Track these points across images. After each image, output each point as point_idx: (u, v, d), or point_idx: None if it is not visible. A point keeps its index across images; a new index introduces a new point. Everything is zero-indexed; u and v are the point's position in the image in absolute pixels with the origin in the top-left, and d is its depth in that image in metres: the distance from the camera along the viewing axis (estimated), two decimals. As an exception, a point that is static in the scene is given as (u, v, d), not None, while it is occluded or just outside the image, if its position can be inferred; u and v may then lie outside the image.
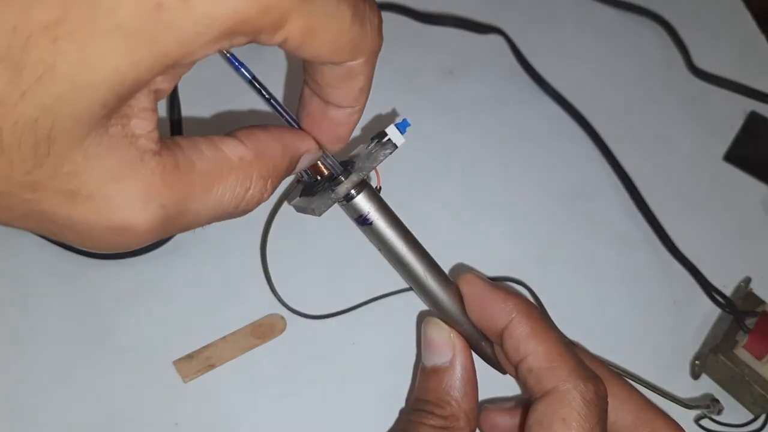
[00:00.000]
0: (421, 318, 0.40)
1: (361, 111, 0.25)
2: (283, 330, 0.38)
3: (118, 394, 0.36)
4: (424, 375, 0.31)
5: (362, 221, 0.29)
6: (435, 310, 0.32)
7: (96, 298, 0.38)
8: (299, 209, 0.29)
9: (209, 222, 0.22)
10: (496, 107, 0.49)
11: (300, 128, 0.26)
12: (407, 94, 0.48)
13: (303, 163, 0.25)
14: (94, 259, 0.39)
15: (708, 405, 0.38)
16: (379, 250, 0.30)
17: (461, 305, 0.31)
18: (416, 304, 0.41)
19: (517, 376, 0.29)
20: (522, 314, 0.29)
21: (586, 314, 0.41)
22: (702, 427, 0.39)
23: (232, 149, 0.22)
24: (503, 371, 0.33)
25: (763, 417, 0.39)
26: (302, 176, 0.28)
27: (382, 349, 0.39)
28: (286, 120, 0.27)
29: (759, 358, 0.38)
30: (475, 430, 0.31)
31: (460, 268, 0.42)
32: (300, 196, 0.30)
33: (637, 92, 0.52)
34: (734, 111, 0.52)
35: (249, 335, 0.37)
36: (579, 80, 0.51)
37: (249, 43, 0.19)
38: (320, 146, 0.26)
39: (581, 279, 0.43)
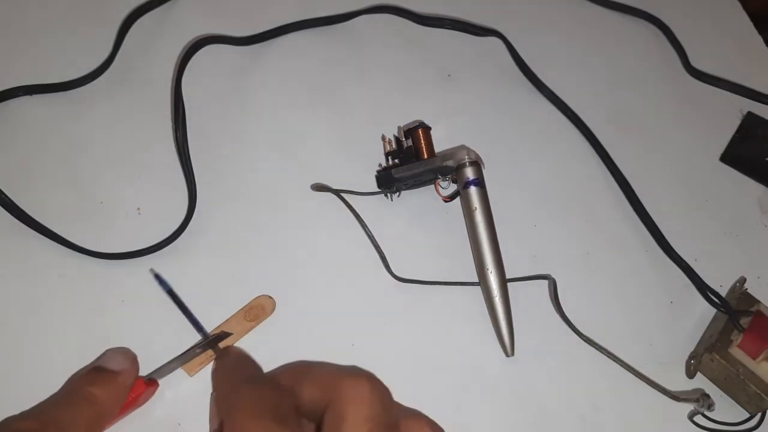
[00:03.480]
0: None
1: None
2: (273, 309, 0.39)
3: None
4: None
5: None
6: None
7: (99, 297, 0.38)
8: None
9: None
10: (494, 109, 0.49)
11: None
12: (406, 96, 0.49)
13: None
14: (98, 258, 0.39)
15: (698, 399, 0.38)
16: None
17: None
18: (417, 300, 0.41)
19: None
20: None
21: (582, 314, 0.41)
22: (696, 424, 0.39)
23: None
24: None
25: (758, 415, 0.39)
26: None
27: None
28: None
29: (754, 357, 0.38)
30: None
31: (460, 268, 0.42)
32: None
33: (633, 93, 0.52)
34: (730, 111, 0.52)
35: (242, 319, 0.39)
36: (576, 82, 0.51)
37: None
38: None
39: (577, 279, 0.43)
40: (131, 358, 0.35)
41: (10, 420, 0.30)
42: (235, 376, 0.32)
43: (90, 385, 0.32)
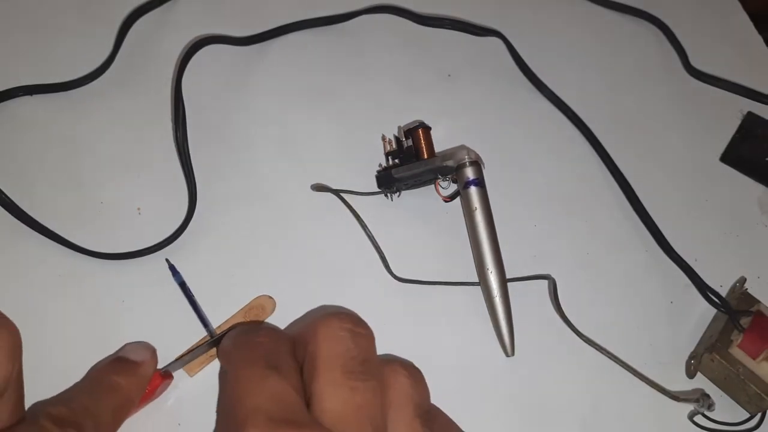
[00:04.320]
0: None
1: None
2: (273, 309, 0.39)
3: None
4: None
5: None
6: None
7: (99, 297, 0.38)
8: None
9: None
10: (495, 109, 0.49)
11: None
12: (406, 96, 0.49)
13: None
14: (98, 258, 0.39)
15: (698, 399, 0.38)
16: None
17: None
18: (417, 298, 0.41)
19: None
20: None
21: (582, 314, 0.41)
22: (696, 424, 0.39)
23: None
24: None
25: (758, 416, 0.39)
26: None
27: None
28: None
29: (754, 357, 0.38)
30: None
31: (460, 268, 0.42)
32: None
33: (634, 93, 0.52)
34: (731, 111, 0.52)
35: (242, 320, 0.39)
36: (576, 82, 0.51)
37: None
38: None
39: (578, 279, 0.43)
40: (151, 350, 0.35)
41: (39, 405, 0.30)
42: (234, 332, 0.32)
43: (115, 374, 0.32)
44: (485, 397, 0.39)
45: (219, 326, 0.38)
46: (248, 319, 0.39)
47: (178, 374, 0.37)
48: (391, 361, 0.27)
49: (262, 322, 0.39)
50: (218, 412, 0.31)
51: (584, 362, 0.40)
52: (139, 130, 0.44)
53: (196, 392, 0.37)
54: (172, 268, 0.39)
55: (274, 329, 0.29)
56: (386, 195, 0.44)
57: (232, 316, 0.39)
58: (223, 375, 0.35)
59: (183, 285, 0.38)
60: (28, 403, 0.31)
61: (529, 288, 0.42)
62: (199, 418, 0.36)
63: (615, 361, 0.39)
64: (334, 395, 0.24)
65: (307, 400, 0.25)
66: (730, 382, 0.39)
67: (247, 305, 0.39)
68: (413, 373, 0.27)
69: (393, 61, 0.50)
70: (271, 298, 0.39)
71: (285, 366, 0.26)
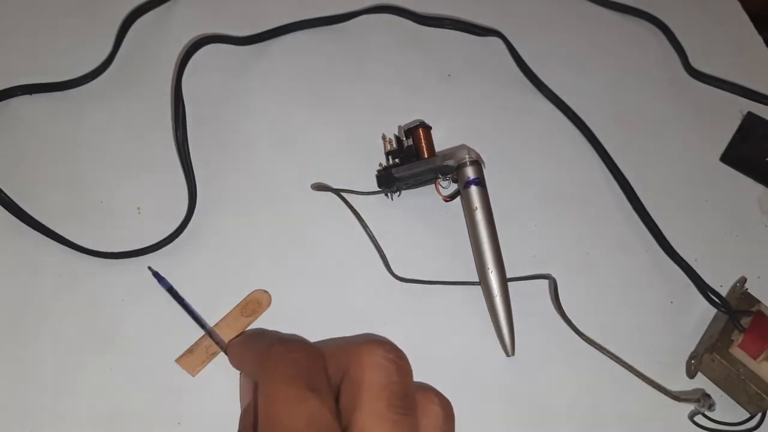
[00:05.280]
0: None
1: None
2: (269, 303, 0.39)
3: (121, 393, 0.36)
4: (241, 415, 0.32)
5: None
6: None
7: (100, 297, 0.38)
8: None
9: None
10: (495, 109, 0.49)
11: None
12: (406, 96, 0.48)
13: None
14: (98, 258, 0.39)
15: (698, 399, 0.38)
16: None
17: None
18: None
19: None
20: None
21: (582, 314, 0.41)
22: (696, 424, 0.39)
23: None
24: None
25: (758, 416, 0.39)
26: None
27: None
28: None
29: (754, 357, 0.38)
30: None
31: (461, 268, 0.42)
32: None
33: (634, 94, 0.52)
34: (731, 112, 0.52)
35: (239, 316, 0.39)
36: (576, 82, 0.51)
37: None
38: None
39: (578, 279, 0.43)
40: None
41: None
42: (265, 337, 0.31)
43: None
44: (485, 396, 0.39)
45: (217, 323, 0.38)
46: (245, 315, 0.39)
47: (177, 373, 0.37)
48: (425, 389, 0.27)
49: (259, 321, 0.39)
50: (244, 424, 0.30)
51: (584, 362, 0.40)
52: (139, 130, 0.44)
53: (196, 392, 0.37)
54: (156, 275, 0.39)
55: (307, 343, 0.27)
56: (386, 194, 0.44)
57: (229, 313, 0.39)
58: (246, 384, 0.32)
59: (171, 290, 0.38)
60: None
61: (529, 288, 0.42)
62: (198, 417, 0.36)
63: (615, 361, 0.39)
64: (378, 428, 0.24)
65: (344, 427, 0.24)
66: (730, 382, 0.39)
67: (243, 301, 0.39)
68: (445, 405, 0.27)
69: (393, 61, 0.50)
70: (266, 292, 0.39)
71: (324, 389, 0.25)
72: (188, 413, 0.36)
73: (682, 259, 0.44)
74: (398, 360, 0.26)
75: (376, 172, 0.44)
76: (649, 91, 0.53)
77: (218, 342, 0.37)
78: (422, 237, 0.43)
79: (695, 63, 0.54)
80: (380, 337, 0.27)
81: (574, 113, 0.49)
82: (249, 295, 0.39)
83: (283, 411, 0.24)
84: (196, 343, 0.37)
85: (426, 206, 0.44)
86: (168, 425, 0.36)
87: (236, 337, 0.37)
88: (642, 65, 0.54)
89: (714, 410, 0.38)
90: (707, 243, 0.46)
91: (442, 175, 0.42)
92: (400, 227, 0.43)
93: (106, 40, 0.47)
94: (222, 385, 0.37)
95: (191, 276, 0.40)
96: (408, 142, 0.43)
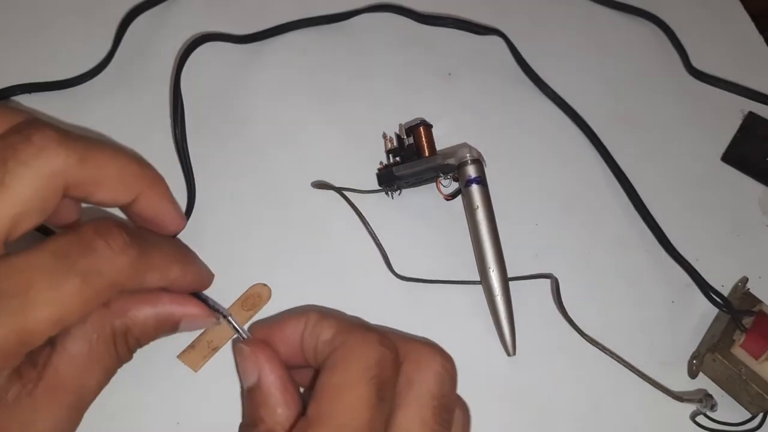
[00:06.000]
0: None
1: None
2: (269, 296, 0.39)
3: (121, 393, 0.36)
4: (243, 399, 0.30)
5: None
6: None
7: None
8: None
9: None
10: (496, 108, 0.49)
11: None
12: (407, 94, 0.48)
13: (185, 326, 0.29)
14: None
15: (701, 399, 0.38)
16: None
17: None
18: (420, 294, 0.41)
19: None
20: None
21: (584, 313, 0.41)
22: (698, 424, 0.39)
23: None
24: None
25: (760, 416, 0.39)
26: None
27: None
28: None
29: (756, 357, 0.38)
30: None
31: (462, 267, 0.42)
32: None
33: (635, 93, 0.52)
34: (732, 111, 0.52)
35: (240, 309, 0.39)
36: (577, 81, 0.51)
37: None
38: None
39: (579, 278, 0.43)
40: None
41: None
42: (348, 317, 0.27)
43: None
44: (486, 396, 0.39)
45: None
46: (246, 309, 0.39)
47: (175, 372, 0.36)
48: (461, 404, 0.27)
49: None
50: (256, 402, 0.28)
51: (586, 362, 0.40)
52: (138, 128, 0.44)
53: (195, 390, 0.36)
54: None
55: (387, 335, 0.25)
56: (387, 193, 0.44)
57: (229, 308, 0.38)
58: (254, 359, 0.28)
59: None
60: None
61: (530, 287, 0.42)
62: (197, 416, 0.36)
63: (617, 361, 0.39)
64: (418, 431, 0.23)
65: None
66: (732, 382, 0.39)
67: (243, 295, 0.39)
68: (461, 404, 0.27)
69: (394, 60, 0.50)
70: (266, 285, 0.39)
71: (390, 397, 0.24)
72: (188, 413, 0.36)
73: (683, 258, 0.44)
74: (454, 373, 0.25)
75: (377, 171, 0.44)
76: (650, 90, 0.53)
77: (236, 325, 0.33)
78: (423, 236, 0.43)
79: (696, 62, 0.54)
80: (436, 343, 0.26)
81: (575, 112, 0.49)
82: (249, 288, 0.39)
83: (349, 411, 0.22)
84: (198, 339, 0.37)
85: (427, 205, 0.44)
86: (167, 425, 0.35)
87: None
88: (643, 64, 0.54)
89: (716, 410, 0.38)
90: (708, 243, 0.46)
91: (443, 174, 0.42)
92: (400, 226, 0.43)
93: (105, 39, 0.47)
94: (225, 380, 0.36)
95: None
96: (409, 141, 0.43)
